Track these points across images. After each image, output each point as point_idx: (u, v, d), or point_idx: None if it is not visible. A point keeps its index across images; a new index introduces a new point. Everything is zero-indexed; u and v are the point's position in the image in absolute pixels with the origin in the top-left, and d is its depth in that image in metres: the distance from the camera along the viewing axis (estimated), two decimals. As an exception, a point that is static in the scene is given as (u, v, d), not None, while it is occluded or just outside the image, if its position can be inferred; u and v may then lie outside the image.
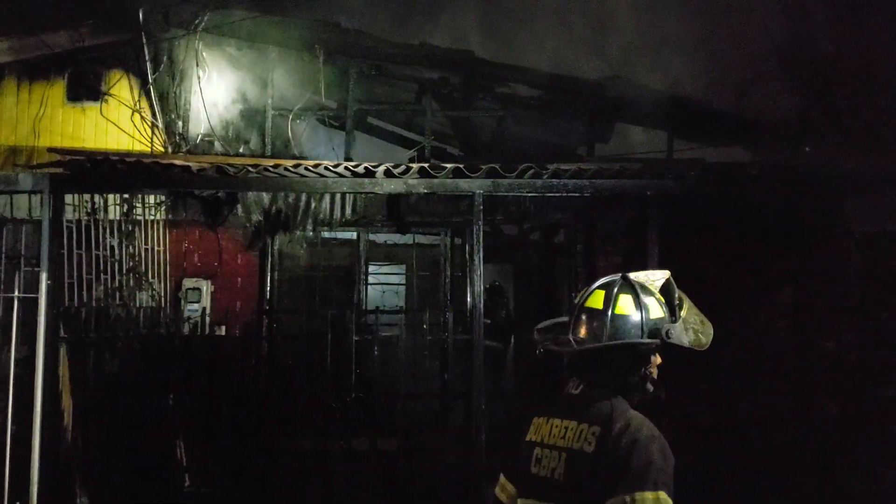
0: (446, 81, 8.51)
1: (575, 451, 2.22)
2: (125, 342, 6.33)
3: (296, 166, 5.91)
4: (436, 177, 5.75)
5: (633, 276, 2.45)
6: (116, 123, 8.12)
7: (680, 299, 2.46)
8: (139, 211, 7.30)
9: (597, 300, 2.37)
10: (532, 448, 2.36)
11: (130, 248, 7.15)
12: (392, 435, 6.47)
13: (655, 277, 2.49)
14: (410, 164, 6.00)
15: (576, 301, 2.47)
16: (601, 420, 2.22)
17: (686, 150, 8.74)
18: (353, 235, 7.65)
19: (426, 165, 5.91)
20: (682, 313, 2.43)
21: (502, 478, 2.53)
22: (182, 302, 7.38)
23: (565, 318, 2.48)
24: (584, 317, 2.37)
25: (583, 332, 2.36)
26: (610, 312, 2.32)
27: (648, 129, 9.04)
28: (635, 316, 2.33)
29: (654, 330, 2.33)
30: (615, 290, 2.36)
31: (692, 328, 2.43)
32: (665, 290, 2.46)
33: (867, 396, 5.95)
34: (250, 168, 5.86)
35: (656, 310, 2.37)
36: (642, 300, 2.36)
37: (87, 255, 6.83)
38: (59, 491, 5.70)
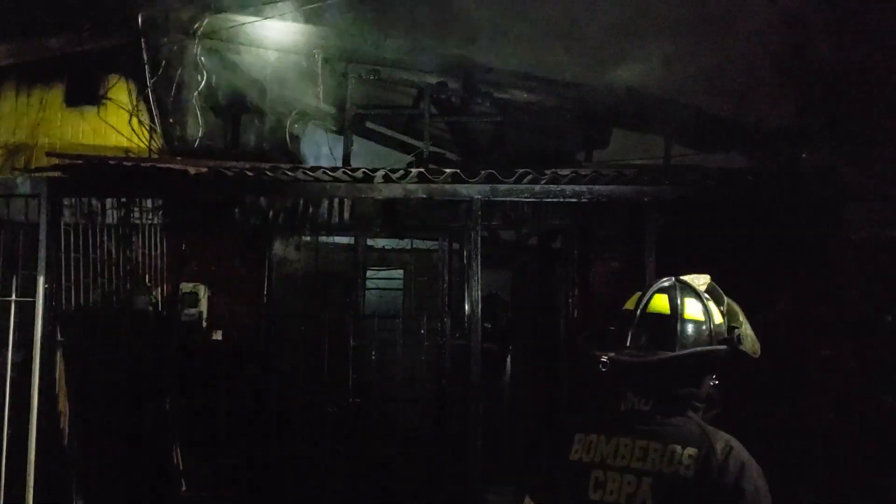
0: (445, 86, 8.53)
1: (666, 475, 1.98)
2: (122, 346, 6.32)
3: (294, 171, 5.92)
4: (434, 182, 5.75)
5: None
6: (115, 127, 8.12)
7: (730, 305, 2.30)
8: (137, 215, 7.29)
9: (661, 305, 2.17)
10: (588, 470, 2.09)
11: (128, 251, 7.14)
12: (389, 440, 6.46)
13: (699, 281, 2.32)
14: (409, 169, 6.01)
15: (629, 307, 2.24)
16: (695, 441, 2.01)
17: (684, 156, 8.76)
18: (351, 240, 7.65)
19: (424, 170, 5.91)
20: (741, 318, 2.26)
21: (529, 501, 2.24)
22: (179, 306, 7.36)
23: (611, 327, 2.27)
24: (647, 324, 2.15)
25: (648, 340, 2.14)
26: (679, 318, 2.14)
27: (646, 134, 9.05)
28: (704, 321, 2.16)
29: (720, 336, 2.17)
30: (677, 293, 2.18)
31: (749, 335, 2.26)
32: (711, 294, 2.29)
33: (865, 404, 5.96)
34: (248, 172, 5.87)
35: (717, 315, 2.21)
36: (707, 305, 2.20)
37: (85, 259, 6.82)
38: (55, 495, 5.69)
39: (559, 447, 2.18)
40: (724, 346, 2.16)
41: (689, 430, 2.05)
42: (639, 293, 2.24)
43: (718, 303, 2.27)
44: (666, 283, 2.23)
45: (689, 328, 2.14)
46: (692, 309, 2.17)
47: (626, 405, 2.16)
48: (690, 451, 1.99)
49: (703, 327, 2.15)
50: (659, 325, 2.14)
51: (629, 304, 2.24)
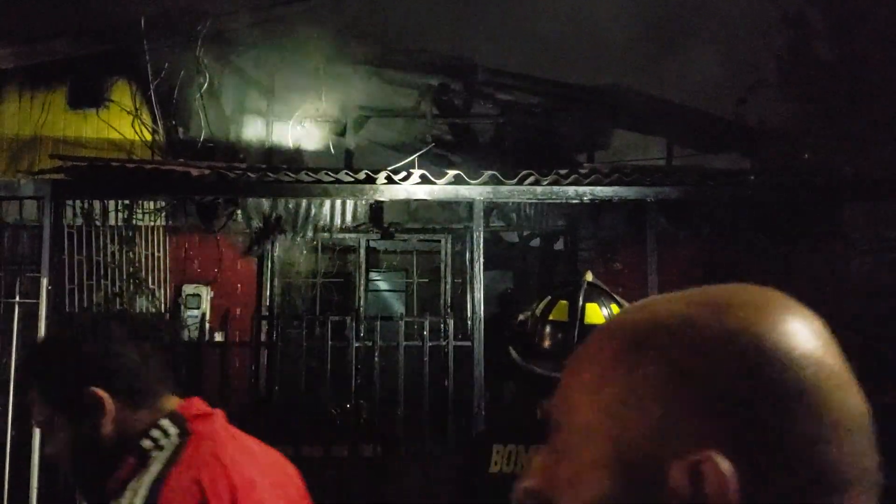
0: (446, 88, 8.55)
1: None
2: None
3: (296, 172, 5.93)
4: (436, 183, 5.77)
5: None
6: (118, 130, 8.14)
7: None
8: (139, 216, 7.31)
9: (596, 315, 2.09)
10: (510, 481, 1.99)
11: (130, 253, 7.16)
12: (392, 442, 6.47)
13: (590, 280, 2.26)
14: (411, 171, 6.02)
15: (558, 318, 2.12)
16: None
17: (685, 157, 8.77)
18: (354, 241, 7.67)
19: (426, 172, 5.93)
20: None
21: None
22: (182, 308, 7.37)
23: (522, 333, 2.15)
24: (585, 335, 2.00)
25: None
26: None
27: (647, 135, 9.07)
28: None
29: None
30: (601, 300, 2.12)
31: None
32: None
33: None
34: (250, 174, 5.89)
35: None
36: (624, 306, 2.11)
37: (88, 261, 6.84)
38: (58, 498, 5.70)
39: (480, 460, 2.11)
40: None
41: None
42: (562, 302, 2.14)
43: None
44: (590, 290, 2.15)
45: None
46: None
47: (540, 413, 2.07)
48: None
49: None
50: None
51: (557, 315, 2.13)
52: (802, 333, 0.62)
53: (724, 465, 0.57)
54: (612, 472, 0.61)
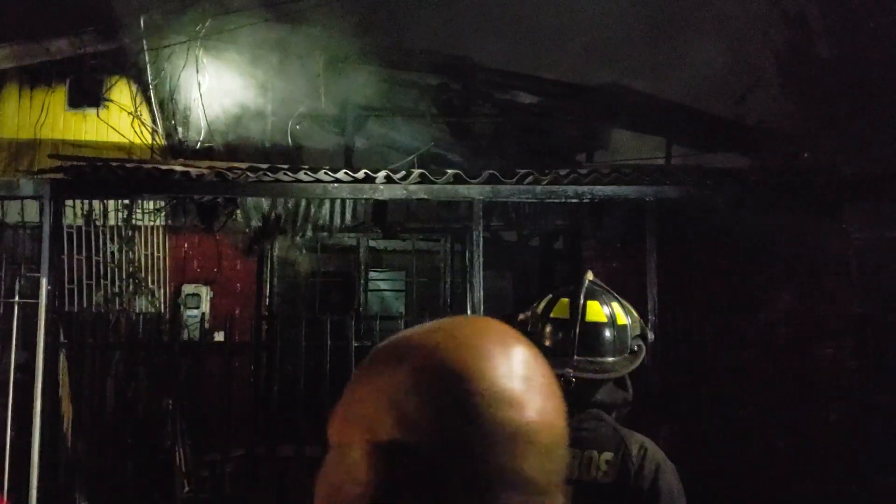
0: (446, 87, 8.55)
1: (585, 484, 1.92)
2: (125, 348, 6.34)
3: (295, 172, 5.93)
4: (436, 182, 5.77)
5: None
6: (117, 129, 8.13)
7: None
8: (139, 216, 7.31)
9: (597, 312, 2.09)
10: None
11: (130, 253, 7.16)
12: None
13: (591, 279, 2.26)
14: (410, 170, 6.03)
15: (560, 315, 2.11)
16: (611, 445, 1.96)
17: (684, 156, 8.77)
18: (353, 241, 7.66)
19: (426, 171, 5.93)
20: (630, 310, 2.18)
21: None
22: (181, 308, 7.37)
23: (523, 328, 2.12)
24: (586, 332, 2.05)
25: (595, 350, 2.05)
26: (615, 325, 2.08)
27: (647, 135, 9.07)
28: (629, 324, 2.11)
29: (633, 335, 2.13)
30: (604, 298, 2.12)
31: (644, 328, 2.22)
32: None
33: (865, 403, 5.97)
34: (250, 174, 5.89)
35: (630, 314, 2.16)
36: (625, 306, 2.15)
37: (87, 261, 6.84)
38: (58, 497, 5.71)
39: None
40: (643, 348, 2.13)
41: (603, 434, 1.99)
42: (563, 299, 2.13)
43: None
44: (591, 288, 2.15)
45: (622, 333, 2.10)
46: (621, 314, 2.12)
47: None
48: (607, 455, 1.95)
49: (629, 330, 2.12)
50: (598, 333, 2.07)
51: (558, 313, 2.12)
52: (492, 358, 0.75)
53: (384, 456, 0.73)
54: (334, 450, 0.80)
